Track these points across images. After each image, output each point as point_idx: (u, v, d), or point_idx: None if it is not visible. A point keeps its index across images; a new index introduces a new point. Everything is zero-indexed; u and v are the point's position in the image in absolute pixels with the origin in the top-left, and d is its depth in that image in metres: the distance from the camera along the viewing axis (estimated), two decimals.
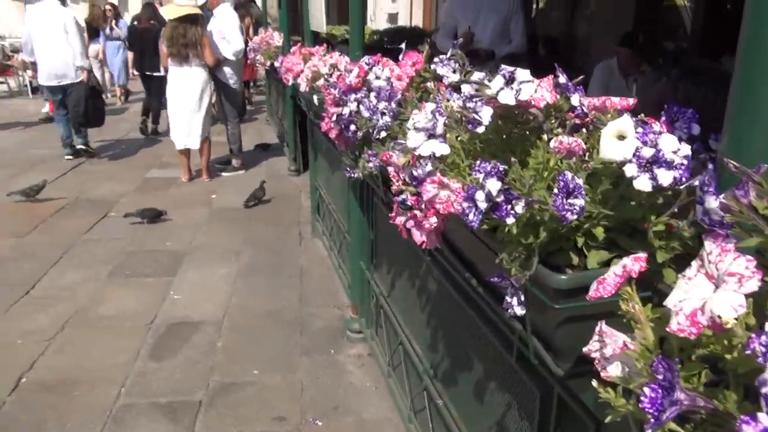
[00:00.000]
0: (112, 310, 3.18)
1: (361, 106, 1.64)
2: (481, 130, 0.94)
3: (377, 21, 12.04)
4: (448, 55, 1.65)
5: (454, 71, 1.62)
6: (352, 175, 1.71)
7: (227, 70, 5.55)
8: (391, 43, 8.41)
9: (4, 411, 2.36)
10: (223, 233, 4.33)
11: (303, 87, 2.90)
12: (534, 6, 8.16)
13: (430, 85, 1.64)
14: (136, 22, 7.72)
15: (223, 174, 5.75)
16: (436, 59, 1.65)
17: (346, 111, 1.68)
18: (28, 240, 4.09)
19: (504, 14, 3.84)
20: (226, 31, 5.50)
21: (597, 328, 0.62)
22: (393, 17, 11.99)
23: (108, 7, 9.94)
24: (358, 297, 2.83)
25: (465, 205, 0.82)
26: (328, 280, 3.60)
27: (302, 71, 3.22)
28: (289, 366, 2.71)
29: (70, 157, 6.26)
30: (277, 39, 6.11)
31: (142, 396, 2.47)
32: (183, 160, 5.48)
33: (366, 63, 1.75)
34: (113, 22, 10.02)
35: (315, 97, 2.62)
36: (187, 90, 5.14)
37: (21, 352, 2.75)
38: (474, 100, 0.96)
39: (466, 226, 0.96)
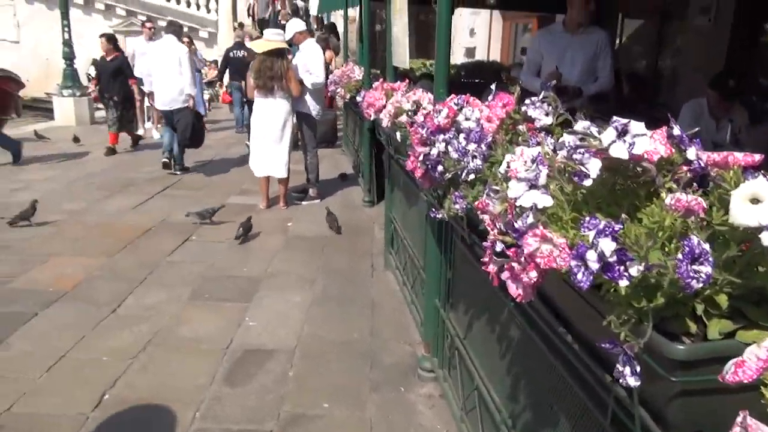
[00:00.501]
0: (191, 332, 3.28)
1: (449, 147, 1.63)
2: (588, 183, 0.90)
3: (455, 54, 12.14)
4: (540, 96, 1.62)
5: (547, 114, 1.58)
6: (437, 215, 1.69)
7: (309, 101, 5.72)
8: (469, 77, 8.48)
9: (88, 425, 2.45)
10: (298, 261, 4.40)
11: (385, 123, 2.93)
12: (617, 41, 7.97)
13: (521, 127, 1.60)
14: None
15: (301, 203, 5.88)
16: (527, 101, 1.62)
17: (434, 151, 1.67)
18: (117, 260, 4.30)
19: (591, 52, 3.76)
20: (310, 65, 5.69)
21: (739, 419, 0.56)
22: (470, 51, 12.06)
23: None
24: (432, 335, 2.78)
25: (573, 263, 0.78)
26: (399, 314, 3.58)
27: (384, 107, 3.26)
28: (359, 401, 2.68)
29: (179, 173, 7.03)
30: (358, 73, 6.27)
31: (216, 421, 2.51)
32: (262, 188, 5.65)
33: (455, 104, 1.74)
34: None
35: (398, 134, 2.64)
36: (271, 120, 5.33)
37: (106, 368, 2.87)
38: (580, 150, 0.92)
39: (564, 281, 0.92)
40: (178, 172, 7.01)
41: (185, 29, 14.40)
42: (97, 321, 3.34)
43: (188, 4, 18.32)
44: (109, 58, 8.20)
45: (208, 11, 18.35)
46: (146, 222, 5.16)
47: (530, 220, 0.92)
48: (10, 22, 18.29)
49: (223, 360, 2.99)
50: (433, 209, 1.72)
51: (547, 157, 1.02)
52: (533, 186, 0.95)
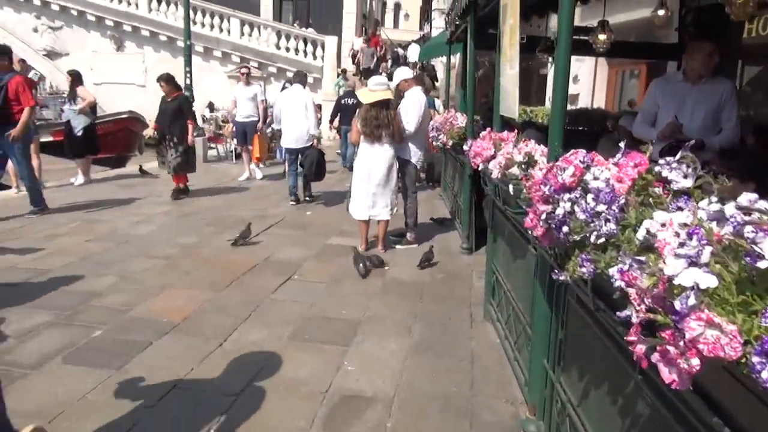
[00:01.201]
0: (292, 372, 3.32)
1: (575, 207, 1.57)
2: (763, 265, 0.81)
3: None
4: (677, 157, 1.53)
5: (685, 176, 1.49)
6: (559, 277, 1.62)
7: (412, 147, 5.80)
8: (572, 124, 8.29)
9: None
10: (395, 306, 4.39)
11: (495, 174, 2.89)
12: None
13: (656, 190, 1.52)
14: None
15: (398, 247, 5.91)
16: (661, 161, 1.53)
17: (558, 211, 1.61)
18: (224, 295, 4.49)
19: (715, 103, 3.55)
20: (409, 113, 5.80)
21: None
22: (573, 98, 11.81)
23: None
24: (538, 398, 2.65)
25: (756, 360, 0.70)
26: (500, 369, 3.45)
27: (493, 157, 3.23)
28: None
29: (294, 203, 7.89)
30: (461, 120, 6.30)
31: None
32: (362, 231, 5.75)
33: (581, 161, 1.68)
34: None
35: (510, 187, 2.58)
36: (376, 166, 5.46)
37: (210, 403, 2.96)
38: (750, 229, 0.84)
39: (724, 368, 0.83)
40: (303, 198, 8.07)
41: (291, 75, 15.23)
42: (205, 355, 3.47)
43: (296, 52, 19.37)
44: (169, 99, 8.09)
45: (314, 58, 19.30)
46: (251, 259, 5.37)
47: (692, 301, 0.84)
48: (140, 68, 20.14)
49: (322, 404, 3.00)
50: (555, 271, 1.64)
51: (706, 229, 0.94)
52: (693, 263, 0.88)
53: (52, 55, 20.22)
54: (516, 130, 3.47)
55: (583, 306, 1.94)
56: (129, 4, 19.62)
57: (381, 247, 5.73)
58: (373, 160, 5.49)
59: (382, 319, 4.15)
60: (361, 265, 5.05)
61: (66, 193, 8.54)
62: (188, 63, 12.64)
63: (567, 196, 1.61)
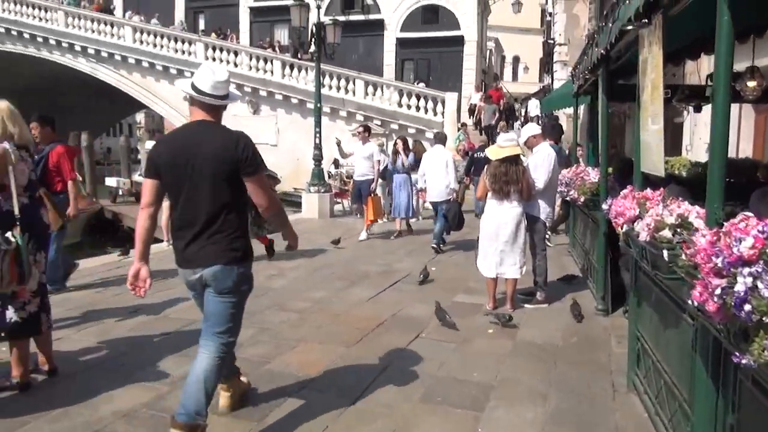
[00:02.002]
0: None
1: (758, 283, 1.42)
2: None
3: (694, 151, 11.19)
4: None
5: None
6: (741, 361, 1.47)
7: (541, 203, 5.67)
8: None
9: None
10: (528, 370, 4.20)
11: (644, 237, 2.73)
12: None
13: None
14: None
15: (527, 306, 5.72)
16: None
17: (739, 287, 1.47)
18: (355, 350, 4.55)
19: None
20: (538, 169, 5.70)
21: None
22: None
23: (399, 141, 10.67)
24: None
25: None
26: None
27: (638, 217, 3.06)
28: None
29: (435, 246, 8.45)
30: (593, 175, 6.08)
31: None
32: (490, 288, 5.64)
33: (760, 231, 1.53)
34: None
35: (665, 252, 2.41)
36: (505, 223, 5.38)
37: None
38: None
39: None
40: (434, 246, 8.53)
41: (413, 131, 15.72)
42: (339, 413, 3.51)
43: (417, 109, 19.93)
44: None
45: (435, 114, 19.73)
46: (380, 314, 5.44)
47: None
48: (272, 129, 21.70)
49: None
50: (735, 354, 1.49)
51: None
52: None
53: None
54: (661, 188, 3.27)
55: (764, 392, 1.73)
56: (265, 71, 21.39)
57: (510, 306, 5.57)
58: (502, 217, 5.42)
59: (515, 383, 3.98)
60: (447, 317, 5.07)
61: None
62: (318, 124, 13.44)
63: (747, 270, 1.47)
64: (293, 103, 21.14)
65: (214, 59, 21.86)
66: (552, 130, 8.92)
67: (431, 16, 24.26)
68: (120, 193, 18.67)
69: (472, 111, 20.60)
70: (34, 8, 23.83)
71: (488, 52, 33.14)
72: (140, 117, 63.21)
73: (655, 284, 3.16)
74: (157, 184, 2.93)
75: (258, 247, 7.58)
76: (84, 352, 4.41)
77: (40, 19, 23.64)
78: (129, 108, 35.56)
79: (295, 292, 6.28)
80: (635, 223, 3.04)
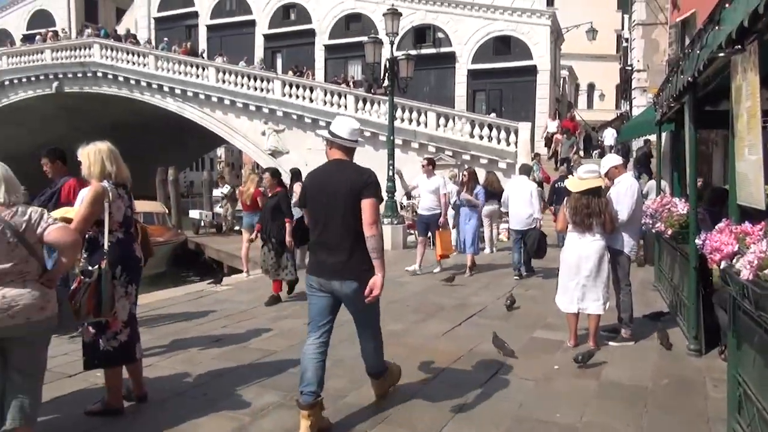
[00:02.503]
0: None
1: None
2: None
3: None
4: None
5: None
6: None
7: (624, 236, 5.45)
8: None
9: None
10: (615, 413, 3.98)
11: (746, 274, 2.55)
12: None
13: None
14: None
15: (611, 343, 5.46)
16: None
17: None
18: (433, 386, 4.47)
19: None
20: (621, 200, 5.50)
21: None
22: None
23: (466, 173, 10.35)
24: None
25: None
26: None
27: (737, 253, 2.88)
28: None
29: (517, 278, 8.84)
30: (680, 207, 5.80)
31: None
32: (571, 325, 5.43)
33: None
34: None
35: None
36: (586, 257, 5.20)
37: None
38: None
39: None
40: (524, 274, 8.97)
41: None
42: None
43: (489, 139, 19.82)
44: (270, 194, 7.74)
45: (508, 144, 19.54)
46: (456, 349, 5.35)
47: None
48: None
49: None
50: None
51: None
52: None
53: (275, 153, 23.23)
54: (762, 222, 3.07)
55: None
56: (339, 106, 21.98)
57: (592, 343, 5.33)
58: (583, 251, 5.23)
59: (603, 427, 3.78)
60: (505, 345, 5.11)
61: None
62: (391, 156, 13.61)
63: None
64: (366, 136, 21.49)
65: (290, 95, 22.72)
66: (642, 161, 8.69)
67: (503, 47, 24.26)
68: (202, 224, 19.51)
69: (548, 141, 20.18)
70: (128, 53, 25.72)
71: (562, 80, 32.64)
72: (220, 151, 66.53)
73: (759, 325, 2.94)
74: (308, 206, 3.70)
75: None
76: (171, 380, 4.58)
77: (133, 63, 25.46)
78: (211, 143, 37.48)
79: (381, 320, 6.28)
80: (734, 260, 2.85)
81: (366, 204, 3.51)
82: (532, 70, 23.83)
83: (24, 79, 27.18)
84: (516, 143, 19.40)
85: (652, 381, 4.58)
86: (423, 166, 9.69)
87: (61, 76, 26.58)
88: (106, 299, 3.54)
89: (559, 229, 5.69)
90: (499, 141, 19.68)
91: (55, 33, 30.15)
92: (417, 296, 7.73)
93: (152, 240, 5.64)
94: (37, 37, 29.74)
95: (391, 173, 13.36)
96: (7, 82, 27.39)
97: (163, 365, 4.92)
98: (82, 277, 3.49)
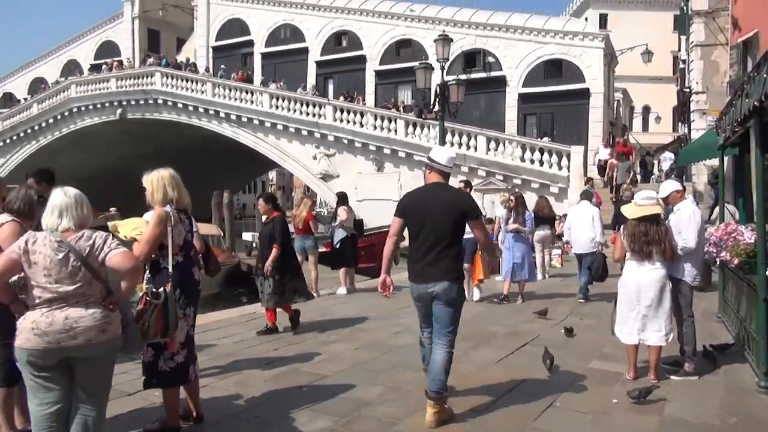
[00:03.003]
0: None
1: None
2: None
3: None
4: None
5: None
6: None
7: (686, 266, 5.25)
8: None
9: None
10: None
11: None
12: None
13: None
14: None
15: (673, 377, 5.22)
16: None
17: None
18: (487, 417, 4.36)
19: None
20: (682, 226, 5.30)
21: None
22: None
23: (513, 198, 10.17)
24: None
25: None
26: None
27: None
28: None
29: (582, 301, 9.02)
30: (747, 235, 5.56)
31: None
32: (630, 356, 5.23)
33: None
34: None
35: None
36: (646, 286, 5.02)
37: None
38: None
39: None
40: (582, 300, 9.03)
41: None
42: None
43: (541, 163, 19.56)
44: (265, 221, 7.30)
45: (560, 168, 19.24)
46: (509, 379, 5.22)
47: None
48: (395, 185, 22.29)
49: None
50: None
51: None
52: None
53: (326, 177, 23.61)
54: None
55: None
56: (389, 131, 22.21)
57: (653, 377, 5.11)
58: (643, 279, 5.05)
59: None
60: (548, 361, 5.22)
61: (333, 301, 9.55)
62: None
63: None
64: (416, 160, 21.64)
65: (341, 120, 23.12)
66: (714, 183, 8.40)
67: (554, 70, 24.04)
68: (254, 246, 19.89)
69: (602, 167, 19.63)
70: (186, 81, 26.81)
71: (616, 103, 32.02)
72: (272, 174, 68.08)
73: None
74: (403, 222, 4.26)
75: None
76: (225, 401, 4.66)
77: (192, 90, 26.50)
78: (263, 166, 38.43)
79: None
80: None
81: (476, 224, 4.27)
82: (585, 93, 23.48)
83: (91, 106, 28.66)
84: (568, 167, 19.09)
85: (719, 419, 4.35)
86: (461, 187, 9.19)
87: (124, 103, 27.91)
88: (172, 320, 3.67)
89: (616, 258, 5.49)
90: (550, 165, 19.42)
91: (120, 62, 31.75)
92: (467, 323, 7.54)
93: None
94: (104, 66, 31.38)
95: None
96: (75, 109, 28.93)
97: (217, 386, 5.01)
98: (148, 299, 3.62)
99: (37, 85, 35.06)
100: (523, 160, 19.81)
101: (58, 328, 2.92)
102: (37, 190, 4.66)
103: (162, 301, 3.65)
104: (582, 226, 9.03)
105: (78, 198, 3.16)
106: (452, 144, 20.39)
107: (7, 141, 30.84)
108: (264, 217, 7.40)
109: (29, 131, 30.14)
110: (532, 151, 19.81)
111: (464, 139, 20.82)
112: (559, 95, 23.75)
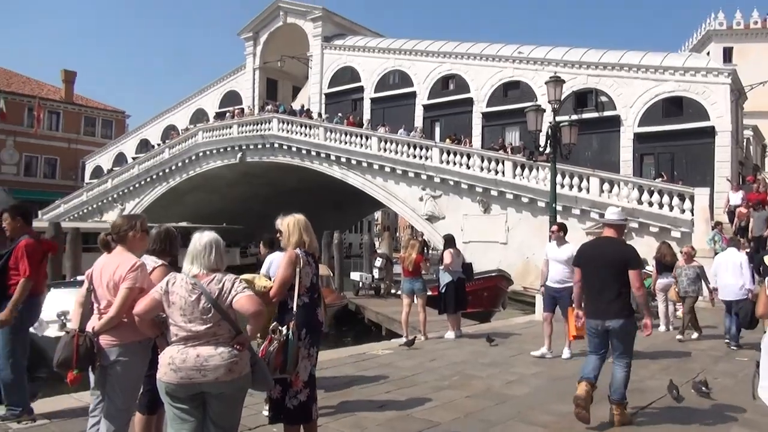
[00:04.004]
0: None
1: None
2: None
3: None
4: None
5: None
6: None
7: None
8: None
9: None
10: None
11: None
12: None
13: None
14: None
15: None
16: None
17: None
18: None
19: None
20: None
21: None
22: None
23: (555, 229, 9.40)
24: None
25: None
26: None
27: None
28: None
29: (735, 348, 8.95)
30: None
31: None
32: None
33: None
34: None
35: None
36: None
37: None
38: None
39: None
40: (734, 347, 8.97)
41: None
42: None
43: (660, 206, 18.46)
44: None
45: (682, 212, 18.05)
46: None
47: None
48: (502, 227, 21.93)
49: None
50: None
51: None
52: None
53: (431, 219, 23.68)
54: None
55: None
56: (496, 172, 21.98)
57: None
58: None
59: None
60: (674, 390, 5.60)
61: (442, 345, 9.42)
62: (553, 223, 13.15)
63: None
64: (523, 201, 21.21)
65: (448, 162, 23.24)
66: None
67: (673, 108, 22.75)
68: (361, 286, 20.22)
69: (731, 213, 17.94)
70: (301, 126, 28.29)
71: (745, 141, 29.68)
72: (377, 214, 69.41)
73: None
74: (581, 270, 5.42)
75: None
76: None
77: (305, 134, 27.89)
78: (370, 207, 39.38)
79: (539, 402, 5.95)
80: None
81: (633, 274, 5.10)
82: (710, 132, 21.96)
83: (215, 151, 30.94)
84: (692, 210, 17.82)
85: None
86: (552, 232, 8.61)
87: (244, 147, 29.87)
88: (291, 358, 3.80)
89: (760, 314, 4.97)
90: (671, 208, 18.24)
91: (242, 110, 34.16)
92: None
93: None
94: (227, 114, 33.92)
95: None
96: (201, 153, 31.36)
97: (332, 427, 5.06)
98: (272, 336, 3.79)
99: (169, 132, 38.46)
100: (640, 202, 18.76)
101: (190, 365, 3.12)
102: (11, 224, 5.03)
103: (284, 338, 3.80)
104: (730, 273, 9.05)
105: (210, 245, 3.37)
106: (563, 186, 19.77)
107: (142, 183, 33.89)
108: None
109: (161, 173, 32.97)
110: (650, 193, 18.72)
111: (576, 180, 20.13)
112: (680, 134, 22.36)
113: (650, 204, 18.58)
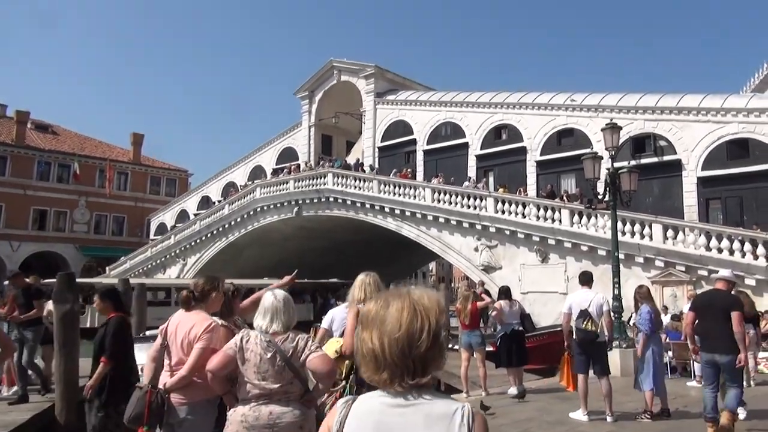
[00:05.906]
0: None
1: None
2: None
3: None
4: None
5: None
6: None
7: None
8: None
9: None
10: None
11: None
12: None
13: None
14: None
15: None
16: None
17: None
18: None
19: None
20: None
21: None
22: None
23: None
24: None
25: None
26: None
27: None
28: None
29: None
30: None
31: None
32: None
33: None
34: None
35: None
36: None
37: None
38: None
39: None
40: None
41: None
42: None
43: (731, 252, 17.56)
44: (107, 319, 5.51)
45: (755, 258, 17.07)
46: None
47: None
48: (561, 277, 21.28)
49: None
50: None
51: None
52: None
53: (488, 269, 23.27)
54: None
55: None
56: (554, 221, 21.55)
57: None
58: None
59: None
60: None
61: (504, 402, 9.06)
62: (616, 273, 12.72)
63: None
64: (583, 250, 20.61)
65: (503, 211, 22.98)
66: None
67: (739, 150, 21.87)
68: None
69: None
70: (355, 180, 28.77)
71: None
72: (432, 265, 68.93)
73: None
74: (695, 314, 6.73)
75: None
76: None
77: (359, 188, 28.31)
78: (424, 258, 39.13)
79: None
80: None
81: (735, 315, 6.28)
82: None
83: (272, 206, 31.77)
84: (766, 256, 16.84)
85: None
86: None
87: (300, 201, 30.54)
88: None
89: None
90: (743, 254, 17.29)
91: (298, 166, 35.14)
92: None
93: None
94: (284, 170, 34.94)
95: (616, 291, 12.41)
96: (259, 209, 32.24)
97: None
98: (332, 390, 3.76)
99: (229, 189, 39.88)
100: (708, 248, 17.91)
101: (263, 423, 3.10)
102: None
103: (341, 391, 3.76)
104: None
105: (285, 302, 3.40)
106: (624, 233, 19.15)
107: (203, 238, 35.00)
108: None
109: (221, 229, 34.00)
110: (719, 239, 17.86)
111: (637, 227, 19.48)
112: (749, 177, 21.35)
113: (719, 250, 17.69)
